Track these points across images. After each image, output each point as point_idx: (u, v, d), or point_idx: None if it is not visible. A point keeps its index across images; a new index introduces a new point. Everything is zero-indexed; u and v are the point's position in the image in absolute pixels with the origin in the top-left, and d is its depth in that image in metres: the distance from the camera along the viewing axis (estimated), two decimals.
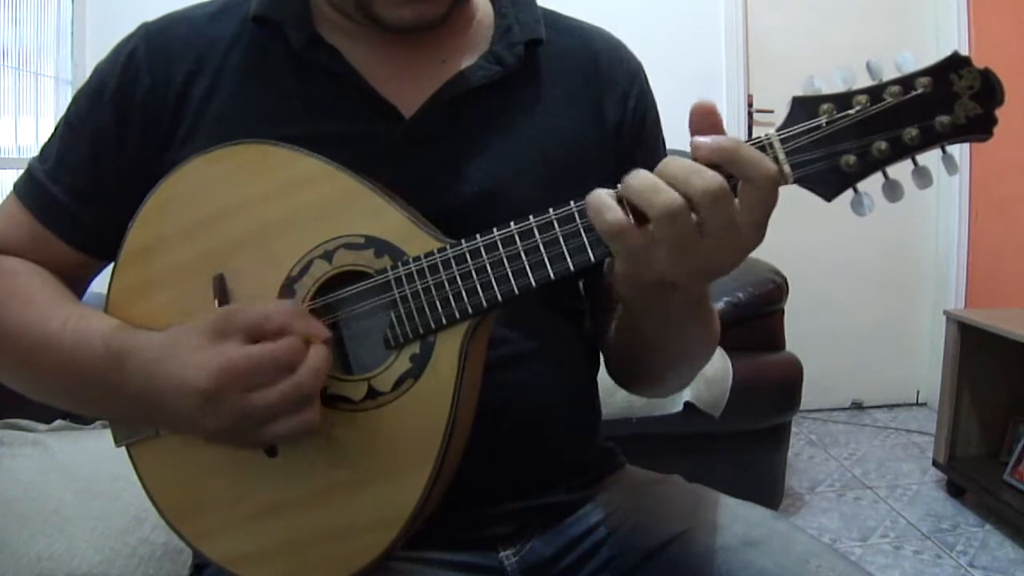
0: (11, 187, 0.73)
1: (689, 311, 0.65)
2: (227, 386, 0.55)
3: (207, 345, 0.56)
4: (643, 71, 0.81)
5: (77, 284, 0.73)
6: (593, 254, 0.55)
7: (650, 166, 0.79)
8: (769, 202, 0.53)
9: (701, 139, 0.53)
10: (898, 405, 3.18)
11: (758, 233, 0.54)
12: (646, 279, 0.56)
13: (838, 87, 0.53)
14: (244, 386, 0.55)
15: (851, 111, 0.53)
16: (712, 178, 0.51)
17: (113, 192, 0.70)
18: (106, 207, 0.70)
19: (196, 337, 0.57)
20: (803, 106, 0.54)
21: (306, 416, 0.56)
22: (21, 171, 0.74)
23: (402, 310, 0.59)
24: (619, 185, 0.54)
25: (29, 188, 0.72)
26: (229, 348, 0.55)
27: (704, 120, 0.54)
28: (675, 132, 1.07)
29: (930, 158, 0.54)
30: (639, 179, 0.53)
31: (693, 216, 0.52)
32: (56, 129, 0.73)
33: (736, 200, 0.52)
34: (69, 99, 0.74)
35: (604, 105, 0.77)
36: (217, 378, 0.55)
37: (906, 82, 0.52)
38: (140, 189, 0.66)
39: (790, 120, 0.54)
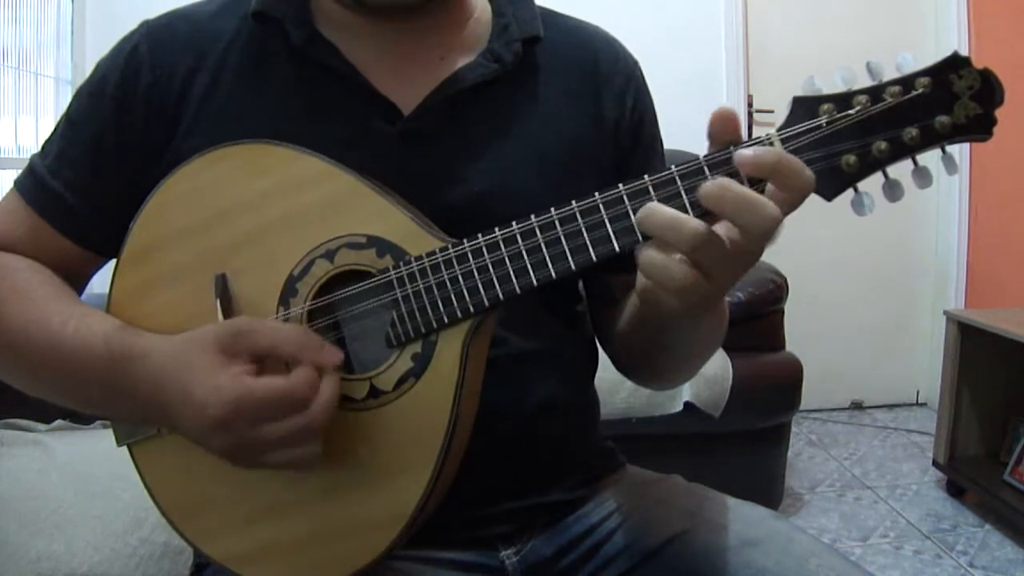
0: (12, 185, 0.73)
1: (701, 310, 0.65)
2: (239, 417, 0.55)
3: (217, 365, 0.56)
4: (640, 69, 0.81)
5: (77, 280, 0.74)
6: (595, 254, 0.55)
7: (648, 164, 0.80)
8: (797, 205, 0.52)
9: (745, 154, 0.52)
10: (898, 405, 3.18)
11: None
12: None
13: (838, 87, 0.53)
14: (256, 418, 0.55)
15: (851, 111, 0.53)
16: (772, 212, 0.51)
17: (113, 187, 0.70)
18: (106, 202, 0.70)
19: (206, 354, 0.57)
20: (803, 106, 0.54)
21: (308, 450, 0.57)
22: (21, 171, 0.74)
23: (404, 309, 0.59)
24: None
25: (30, 183, 0.72)
26: (242, 374, 0.56)
27: (725, 127, 0.54)
28: (676, 132, 1.06)
29: (930, 158, 0.54)
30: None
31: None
32: (58, 124, 0.73)
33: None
34: (69, 99, 0.75)
35: (602, 103, 0.77)
36: (231, 408, 0.55)
37: (906, 82, 0.52)
38: (140, 185, 0.66)
39: (790, 120, 0.54)
